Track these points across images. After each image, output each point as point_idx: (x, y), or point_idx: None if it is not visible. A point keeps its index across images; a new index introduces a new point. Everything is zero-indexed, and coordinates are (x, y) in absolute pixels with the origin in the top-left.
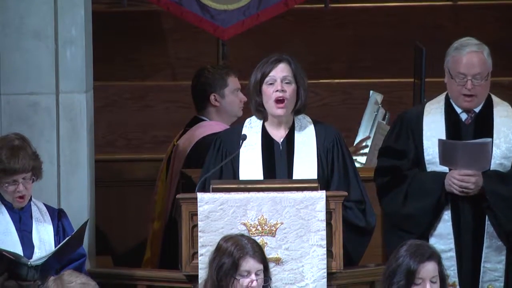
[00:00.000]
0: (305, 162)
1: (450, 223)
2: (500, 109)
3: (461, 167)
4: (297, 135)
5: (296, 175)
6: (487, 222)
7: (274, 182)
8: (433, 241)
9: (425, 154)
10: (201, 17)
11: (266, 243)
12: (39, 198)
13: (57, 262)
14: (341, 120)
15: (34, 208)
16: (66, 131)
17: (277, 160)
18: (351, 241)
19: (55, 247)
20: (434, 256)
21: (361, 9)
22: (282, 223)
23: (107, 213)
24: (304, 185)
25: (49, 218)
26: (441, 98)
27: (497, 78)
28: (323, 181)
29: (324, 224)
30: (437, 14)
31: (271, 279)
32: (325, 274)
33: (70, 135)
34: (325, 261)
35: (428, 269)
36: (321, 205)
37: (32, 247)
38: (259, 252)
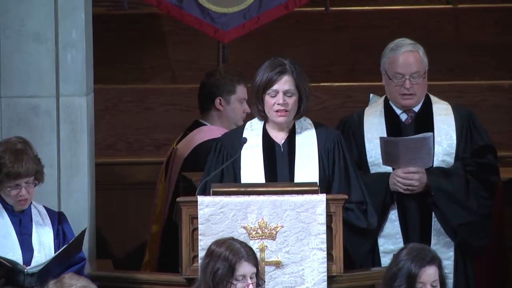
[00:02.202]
0: (307, 163)
1: (397, 223)
2: (440, 107)
3: (404, 164)
4: (298, 137)
5: (297, 177)
6: (434, 219)
7: (274, 186)
8: (381, 242)
9: (367, 156)
10: (202, 20)
11: (266, 246)
12: (39, 201)
13: (56, 268)
14: None
15: (34, 211)
16: (67, 134)
17: (279, 162)
18: (353, 242)
19: (55, 250)
20: (435, 260)
21: (361, 12)
22: (282, 227)
23: (107, 217)
24: (304, 188)
25: (49, 221)
26: (380, 101)
27: (497, 81)
28: (324, 183)
29: (324, 227)
30: (437, 18)
31: (264, 281)
32: (326, 277)
33: (71, 138)
34: (325, 265)
35: (429, 273)
36: (322, 208)
37: (32, 250)
38: (252, 255)
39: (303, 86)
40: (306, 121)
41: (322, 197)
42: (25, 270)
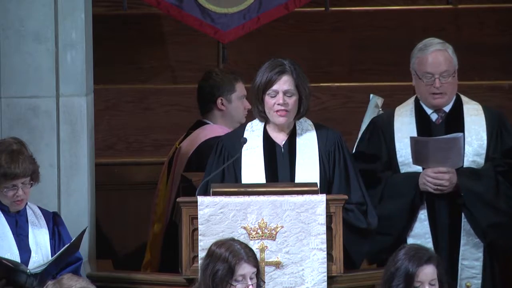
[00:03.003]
0: (307, 164)
1: (427, 223)
2: (470, 108)
3: (434, 164)
4: (299, 138)
5: (298, 178)
6: (463, 220)
7: (274, 186)
8: (411, 241)
9: (397, 156)
10: (202, 20)
11: (266, 246)
12: (39, 202)
13: (54, 269)
14: (341, 124)
15: (29, 212)
16: (66, 134)
17: (279, 163)
18: (353, 243)
19: (51, 250)
20: (433, 259)
21: (361, 12)
22: (282, 227)
23: (107, 217)
24: (304, 189)
25: (44, 221)
26: (410, 101)
27: (497, 81)
28: (325, 184)
29: (324, 228)
30: (438, 18)
31: (264, 282)
32: (325, 277)
33: (70, 139)
34: (325, 265)
35: (427, 272)
36: (322, 208)
37: (29, 251)
38: (252, 256)
39: (303, 86)
40: (306, 122)
41: (322, 197)
42: (28, 271)
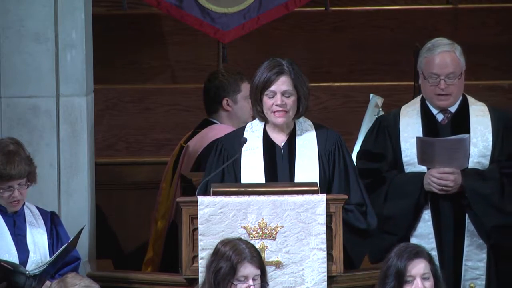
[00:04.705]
0: (307, 165)
1: (430, 223)
2: (476, 109)
3: (439, 164)
4: (298, 139)
5: (297, 179)
6: (467, 221)
7: (275, 186)
8: (414, 242)
9: (402, 155)
10: (202, 20)
11: (266, 246)
12: (39, 202)
13: (52, 269)
14: (341, 124)
15: (27, 212)
16: (66, 134)
17: (279, 164)
18: (352, 243)
19: (49, 250)
20: (422, 254)
21: (361, 12)
22: (282, 227)
23: (107, 216)
24: (304, 189)
25: (42, 221)
26: (416, 101)
27: (498, 81)
28: (325, 185)
29: (324, 228)
30: (437, 18)
31: (268, 285)
32: (326, 277)
33: (71, 139)
34: (325, 265)
35: (417, 266)
36: (322, 208)
37: (27, 251)
38: (257, 257)
39: (301, 86)
40: (306, 123)
41: (322, 197)
42: (27, 272)
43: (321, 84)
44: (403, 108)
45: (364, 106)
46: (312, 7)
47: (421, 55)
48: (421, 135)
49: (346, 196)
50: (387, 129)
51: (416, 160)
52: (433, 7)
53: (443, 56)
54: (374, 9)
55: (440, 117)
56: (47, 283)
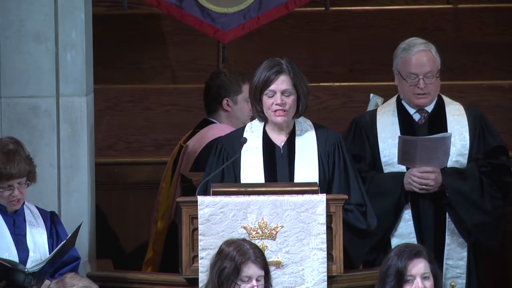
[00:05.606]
0: (306, 166)
1: (411, 222)
2: (452, 108)
3: (420, 164)
4: (298, 139)
5: (297, 179)
6: (448, 219)
7: (275, 186)
8: (395, 241)
9: (381, 156)
10: (202, 20)
11: (266, 246)
12: (39, 201)
13: (51, 267)
14: (341, 123)
15: (27, 211)
16: (67, 134)
17: (279, 164)
18: (352, 243)
19: (49, 250)
20: (422, 254)
21: (361, 12)
22: (282, 227)
23: (107, 216)
24: (304, 189)
25: (42, 221)
26: (392, 101)
27: (497, 81)
28: (324, 185)
29: (324, 228)
30: (437, 17)
31: (271, 285)
32: (326, 277)
33: (71, 138)
34: (325, 265)
35: (416, 265)
36: (322, 208)
37: (27, 250)
38: (260, 258)
39: (300, 85)
40: (306, 123)
41: (322, 197)
42: (26, 270)
43: (321, 84)
44: (378, 109)
45: (364, 106)
46: (312, 7)
47: (397, 56)
48: (399, 134)
49: (346, 196)
50: (364, 130)
51: (395, 160)
52: (433, 7)
53: (420, 55)
54: (374, 9)
55: (417, 117)
56: (47, 282)
